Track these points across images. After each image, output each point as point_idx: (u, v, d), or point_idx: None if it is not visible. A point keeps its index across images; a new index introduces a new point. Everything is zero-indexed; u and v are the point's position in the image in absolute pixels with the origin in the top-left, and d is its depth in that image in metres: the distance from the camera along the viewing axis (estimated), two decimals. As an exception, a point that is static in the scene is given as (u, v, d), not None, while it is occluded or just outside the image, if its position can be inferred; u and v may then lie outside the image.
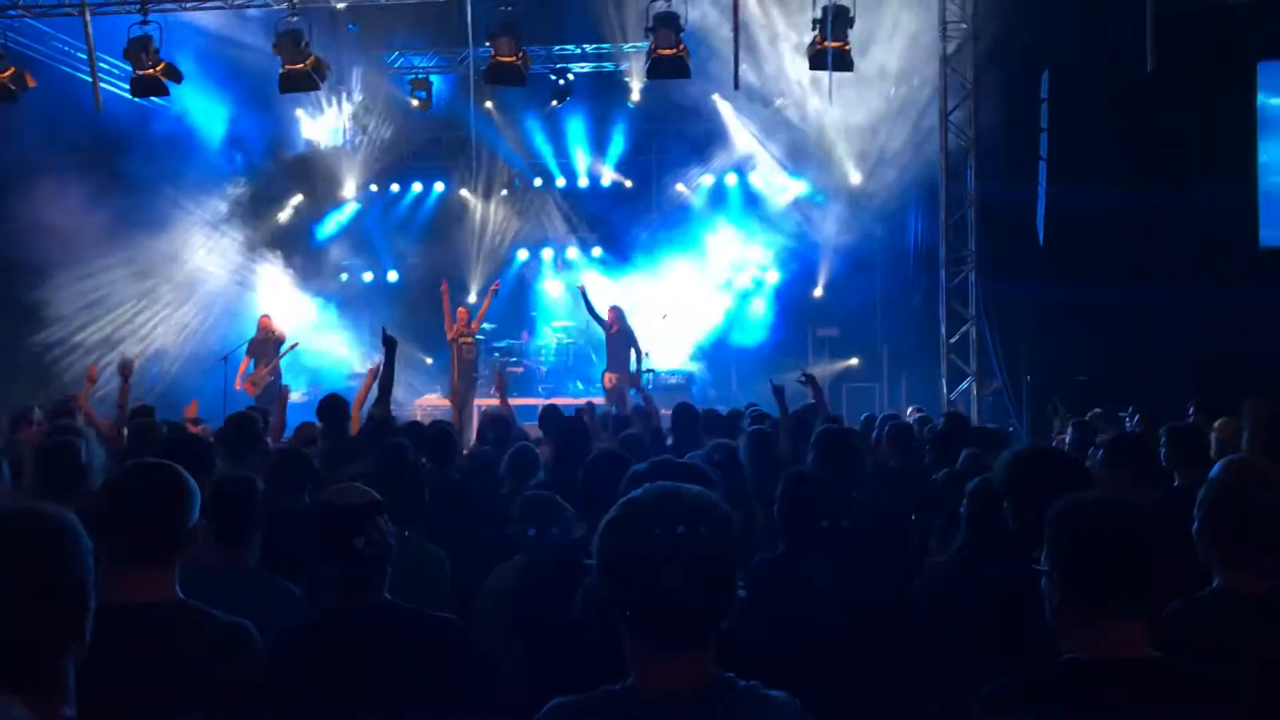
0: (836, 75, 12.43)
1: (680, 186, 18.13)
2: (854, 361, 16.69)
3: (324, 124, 17.72)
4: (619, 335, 14.34)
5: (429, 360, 17.26)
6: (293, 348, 14.75)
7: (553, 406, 8.35)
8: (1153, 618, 2.33)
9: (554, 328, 18.11)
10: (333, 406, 7.14)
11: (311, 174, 18.41)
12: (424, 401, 16.22)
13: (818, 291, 17.07)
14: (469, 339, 14.62)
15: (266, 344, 14.92)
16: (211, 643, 2.76)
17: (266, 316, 15.40)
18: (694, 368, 17.12)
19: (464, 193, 18.86)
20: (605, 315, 14.44)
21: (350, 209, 18.86)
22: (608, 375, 14.26)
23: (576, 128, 17.91)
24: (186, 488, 2.93)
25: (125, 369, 7.32)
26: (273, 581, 3.73)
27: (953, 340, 13.75)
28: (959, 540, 4.04)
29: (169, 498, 2.89)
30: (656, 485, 1.99)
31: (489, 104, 17.37)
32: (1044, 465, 3.52)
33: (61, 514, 1.94)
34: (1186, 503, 3.33)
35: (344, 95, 17.20)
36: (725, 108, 16.77)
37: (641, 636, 1.91)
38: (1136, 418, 8.00)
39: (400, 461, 4.84)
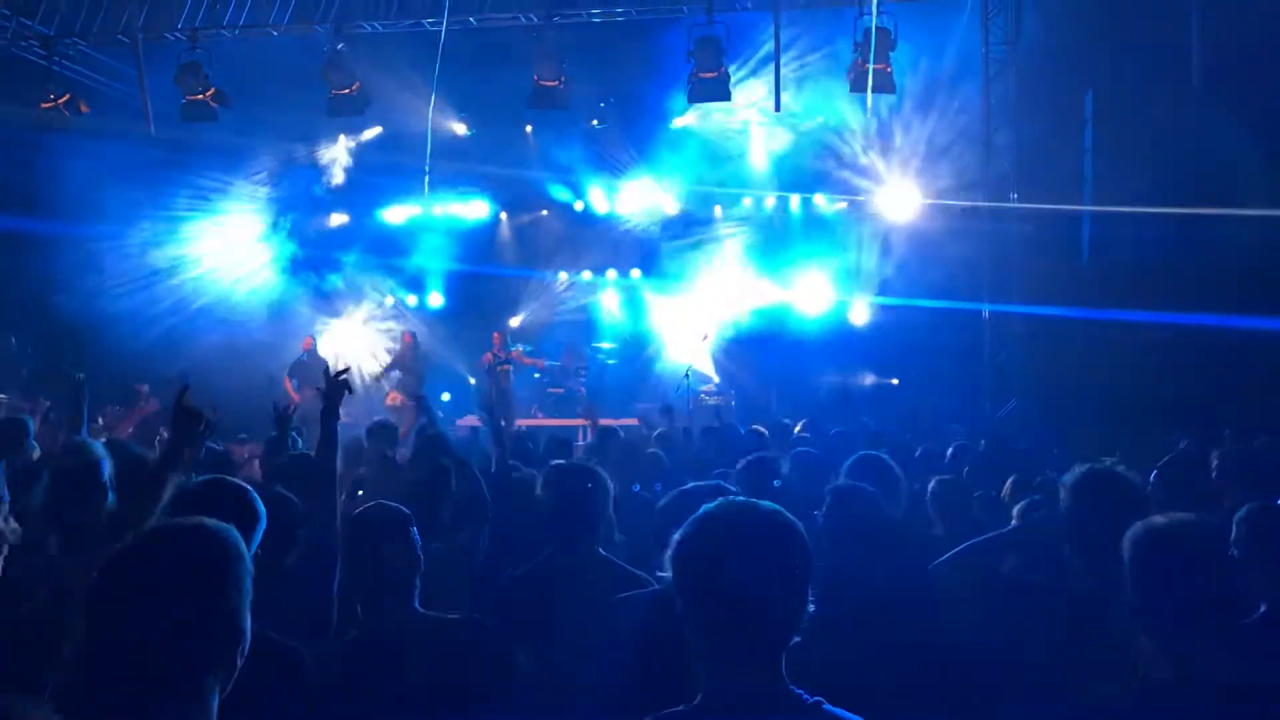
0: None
1: (747, 200, 18.09)
2: (894, 381, 16.66)
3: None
4: None
5: (472, 380, 17.39)
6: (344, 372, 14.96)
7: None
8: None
9: (599, 349, 18.16)
10: (382, 430, 7.23)
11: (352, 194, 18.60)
12: (464, 422, 16.33)
13: (862, 314, 17.04)
14: (506, 366, 14.89)
15: (310, 366, 15.13)
16: (265, 665, 2.79)
17: (310, 338, 15.63)
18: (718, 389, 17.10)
19: (504, 216, 19.00)
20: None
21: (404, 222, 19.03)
22: None
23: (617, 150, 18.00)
24: (255, 511, 2.98)
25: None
26: None
27: (996, 361, 13.66)
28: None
29: (239, 520, 2.91)
30: (730, 501, 2.01)
31: (528, 128, 17.53)
32: (1104, 489, 3.52)
33: (227, 531, 1.92)
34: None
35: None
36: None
37: (713, 649, 1.93)
38: (1183, 442, 7.93)
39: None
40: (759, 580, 1.89)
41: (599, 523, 4.06)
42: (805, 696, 1.96)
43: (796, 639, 1.94)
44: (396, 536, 3.16)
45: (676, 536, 1.99)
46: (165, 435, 7.13)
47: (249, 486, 3.16)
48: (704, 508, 2.01)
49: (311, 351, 15.59)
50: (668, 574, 1.99)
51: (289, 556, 3.60)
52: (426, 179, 14.99)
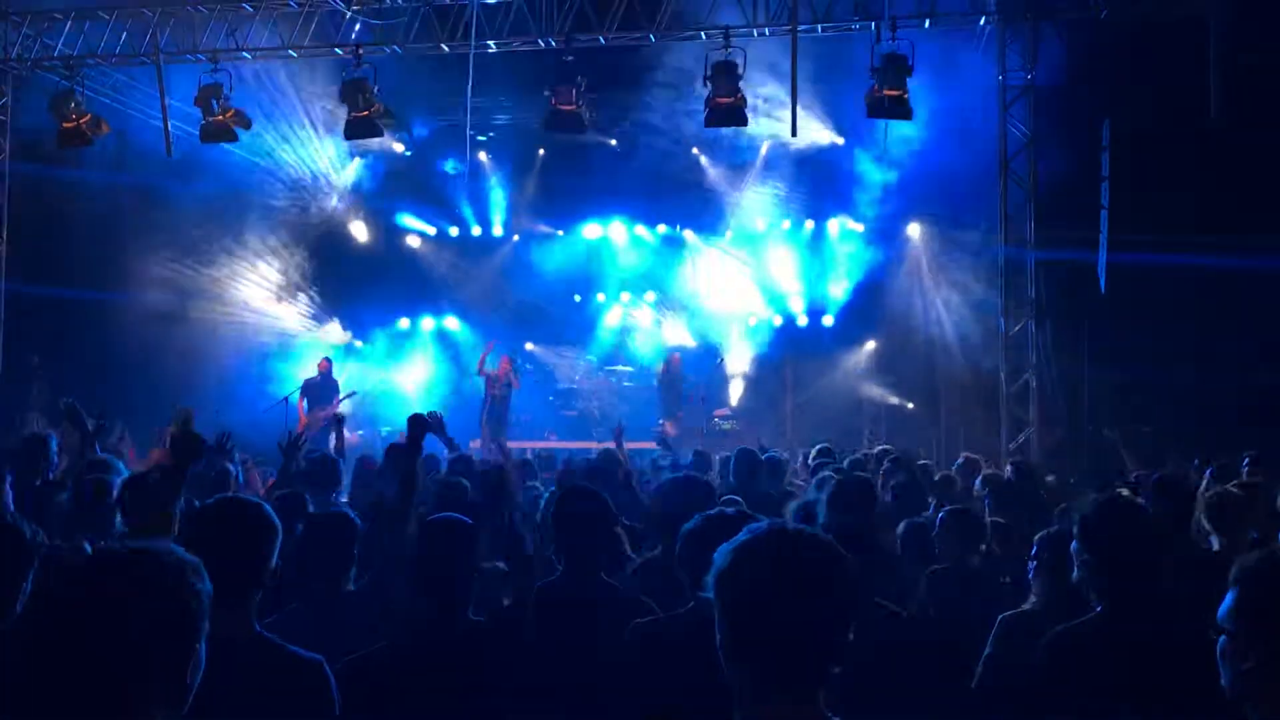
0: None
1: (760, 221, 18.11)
2: (909, 405, 16.63)
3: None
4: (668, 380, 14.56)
5: None
6: (351, 395, 15.11)
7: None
8: None
9: (610, 371, 18.16)
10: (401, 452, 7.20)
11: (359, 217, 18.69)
12: (477, 444, 16.36)
13: (873, 342, 17.05)
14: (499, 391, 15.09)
15: (323, 387, 15.24)
16: (289, 679, 2.80)
17: (326, 360, 15.73)
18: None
19: (515, 238, 19.05)
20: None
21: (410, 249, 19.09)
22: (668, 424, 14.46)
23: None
24: (270, 524, 3.00)
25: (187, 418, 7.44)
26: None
27: (1012, 389, 13.60)
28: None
29: (253, 533, 2.97)
30: (773, 525, 2.00)
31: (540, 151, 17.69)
32: (1121, 519, 3.48)
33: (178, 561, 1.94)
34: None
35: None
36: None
37: (756, 678, 1.91)
38: (1210, 470, 7.87)
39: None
40: (806, 610, 1.87)
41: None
42: None
43: (837, 669, 1.92)
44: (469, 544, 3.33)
45: (721, 562, 1.96)
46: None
47: (260, 501, 3.18)
48: (750, 531, 1.99)
49: (326, 373, 15.67)
50: (708, 594, 1.96)
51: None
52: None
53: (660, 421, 14.70)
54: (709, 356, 17.57)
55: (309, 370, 16.10)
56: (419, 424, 4.86)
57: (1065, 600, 3.72)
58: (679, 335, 18.07)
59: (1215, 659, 2.18)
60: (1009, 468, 8.70)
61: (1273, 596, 2.15)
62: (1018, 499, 6.65)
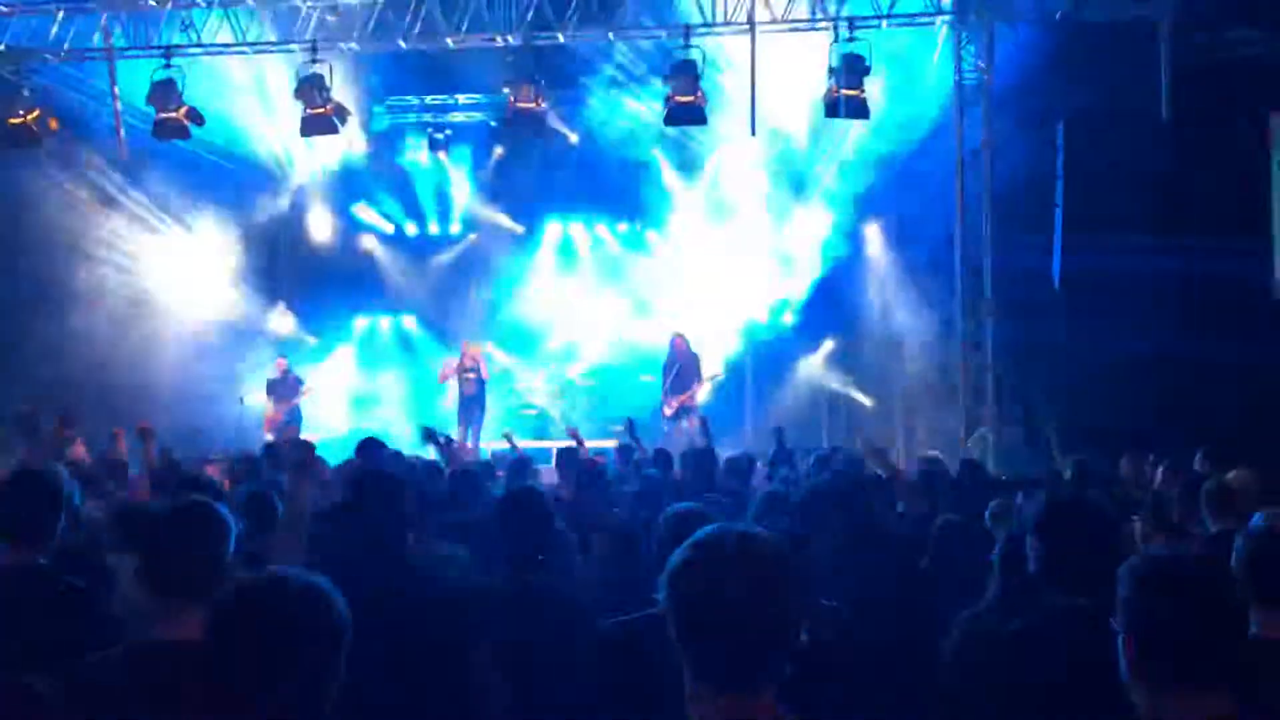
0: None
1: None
2: (868, 403, 16.76)
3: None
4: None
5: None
6: (309, 392, 15.14)
7: (569, 449, 8.40)
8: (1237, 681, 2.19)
9: (569, 370, 18.11)
10: (370, 448, 7.20)
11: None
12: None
13: (832, 340, 17.14)
14: (470, 374, 15.07)
15: (284, 384, 15.21)
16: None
17: (282, 358, 15.70)
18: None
19: (472, 237, 18.96)
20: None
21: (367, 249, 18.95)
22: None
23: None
24: (226, 522, 2.99)
25: (147, 434, 7.39)
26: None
27: (969, 387, 13.73)
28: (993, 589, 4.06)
29: (212, 533, 2.96)
30: (725, 528, 2.03)
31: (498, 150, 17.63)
32: (1074, 513, 3.52)
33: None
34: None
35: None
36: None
37: (707, 678, 1.94)
38: (1160, 467, 7.98)
39: None
40: (752, 609, 1.90)
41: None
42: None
43: (790, 670, 1.95)
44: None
45: (672, 562, 2.00)
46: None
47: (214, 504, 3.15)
48: (699, 533, 2.02)
49: (286, 370, 15.66)
50: (661, 596, 2.00)
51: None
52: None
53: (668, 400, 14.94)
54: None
55: (260, 368, 16.04)
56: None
57: (1020, 597, 3.75)
58: (641, 333, 18.04)
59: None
60: (958, 464, 8.80)
61: (1142, 595, 2.24)
62: (964, 495, 6.70)
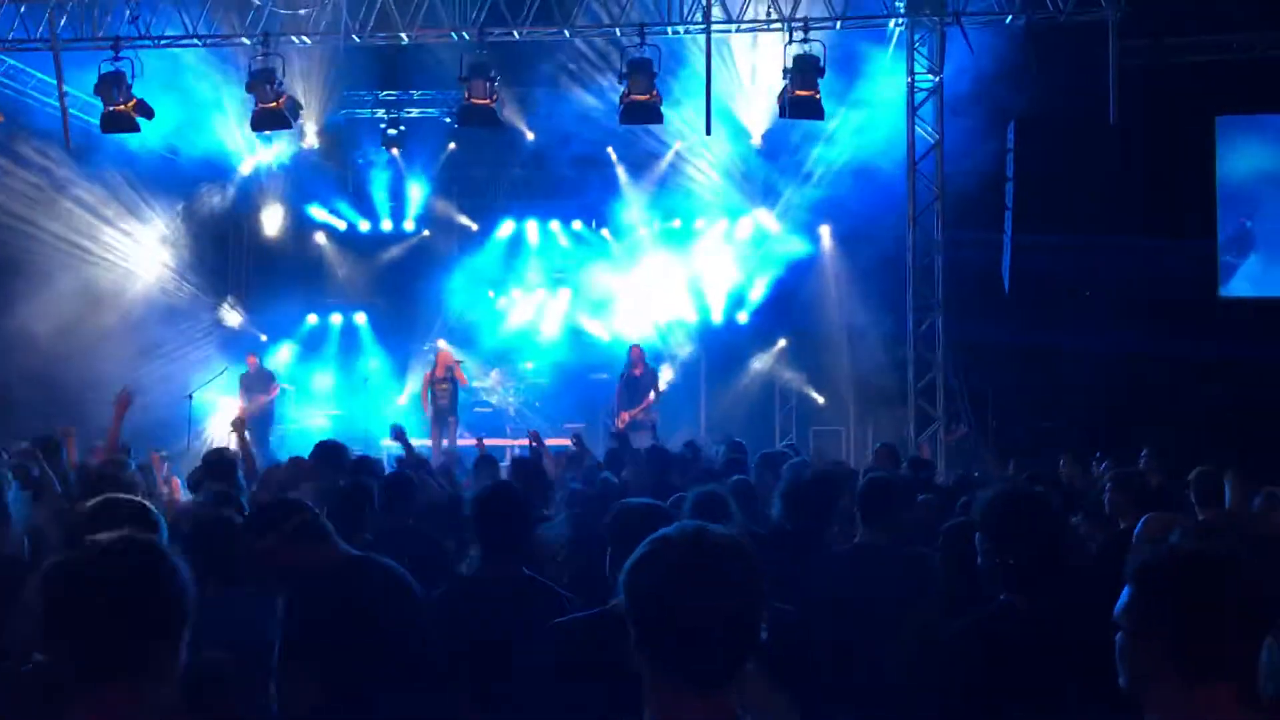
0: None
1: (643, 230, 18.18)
2: (820, 400, 16.88)
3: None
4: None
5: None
6: (276, 389, 15.29)
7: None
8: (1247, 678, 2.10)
9: (527, 368, 18.06)
10: (328, 449, 7.15)
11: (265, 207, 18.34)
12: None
13: (785, 339, 17.24)
14: (445, 385, 15.08)
15: (258, 379, 15.41)
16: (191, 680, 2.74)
17: (252, 355, 15.65)
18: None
19: (425, 232, 18.85)
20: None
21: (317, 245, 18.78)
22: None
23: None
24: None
25: (123, 401, 7.12)
26: None
27: (920, 385, 13.85)
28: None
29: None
30: (686, 525, 2.01)
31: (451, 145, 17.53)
32: (1020, 507, 3.55)
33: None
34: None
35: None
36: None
37: (665, 675, 1.92)
38: (1105, 464, 8.12)
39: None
40: (711, 607, 1.88)
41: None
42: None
43: (749, 666, 1.93)
44: None
45: (629, 561, 1.98)
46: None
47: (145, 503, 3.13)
48: (659, 532, 2.00)
49: (258, 366, 15.67)
50: (621, 593, 1.97)
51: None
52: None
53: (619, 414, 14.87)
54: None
55: (205, 363, 15.95)
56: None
57: (966, 592, 3.79)
58: (595, 332, 18.04)
59: (1116, 646, 2.19)
60: (904, 462, 8.88)
61: (1168, 594, 2.13)
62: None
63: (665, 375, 16.15)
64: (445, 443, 14.58)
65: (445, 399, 15.19)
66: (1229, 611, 2.09)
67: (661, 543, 1.97)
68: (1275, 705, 2.18)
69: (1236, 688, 2.07)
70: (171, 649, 2.12)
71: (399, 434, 8.94)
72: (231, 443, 7.52)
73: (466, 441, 14.23)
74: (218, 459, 6.20)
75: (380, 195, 18.53)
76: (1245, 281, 14.58)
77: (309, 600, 3.59)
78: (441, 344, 16.44)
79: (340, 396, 17.54)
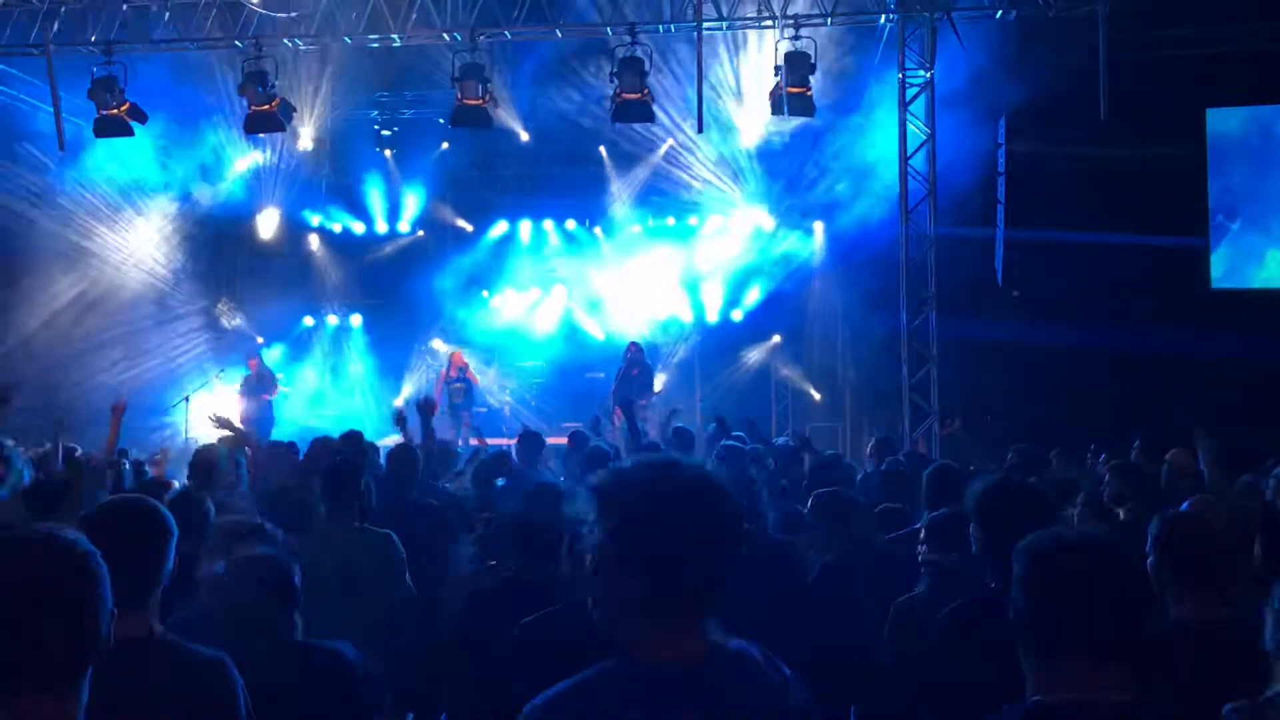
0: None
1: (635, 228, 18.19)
2: (816, 395, 16.92)
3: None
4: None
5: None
6: (277, 391, 15.36)
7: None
8: (1134, 658, 2.11)
9: (523, 367, 18.09)
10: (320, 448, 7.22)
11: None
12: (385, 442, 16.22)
13: (779, 335, 17.28)
14: (460, 385, 15.28)
15: (258, 381, 15.42)
16: (190, 678, 2.76)
17: (253, 358, 15.71)
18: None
19: (420, 233, 18.87)
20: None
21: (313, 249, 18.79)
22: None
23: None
24: (168, 524, 2.95)
25: (118, 409, 7.19)
26: None
27: (914, 380, 13.88)
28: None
29: (152, 535, 2.91)
30: (656, 456, 2.01)
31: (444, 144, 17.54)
32: (1013, 498, 3.58)
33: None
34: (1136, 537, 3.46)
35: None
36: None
37: (645, 603, 1.87)
38: (1103, 456, 8.16)
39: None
40: (689, 533, 1.86)
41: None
42: (731, 644, 1.93)
43: (721, 601, 1.91)
44: None
45: (625, 480, 1.94)
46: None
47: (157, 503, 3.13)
48: (648, 458, 2.00)
49: (258, 367, 15.71)
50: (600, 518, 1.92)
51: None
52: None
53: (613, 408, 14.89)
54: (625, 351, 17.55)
55: (204, 366, 16.00)
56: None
57: (954, 582, 3.83)
58: (590, 330, 18.08)
59: None
60: (902, 456, 8.94)
61: (1040, 575, 2.18)
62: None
63: (662, 376, 16.17)
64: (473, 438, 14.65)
65: (460, 396, 15.52)
66: (1095, 592, 2.11)
67: (633, 471, 1.96)
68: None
69: (1116, 666, 2.07)
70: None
71: (400, 419, 8.57)
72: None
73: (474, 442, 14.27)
74: (200, 460, 6.24)
75: (374, 197, 18.54)
76: (1235, 273, 14.63)
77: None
78: (439, 344, 16.49)
79: (337, 397, 17.57)
